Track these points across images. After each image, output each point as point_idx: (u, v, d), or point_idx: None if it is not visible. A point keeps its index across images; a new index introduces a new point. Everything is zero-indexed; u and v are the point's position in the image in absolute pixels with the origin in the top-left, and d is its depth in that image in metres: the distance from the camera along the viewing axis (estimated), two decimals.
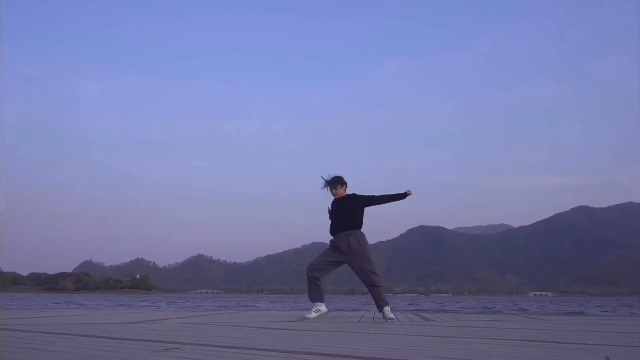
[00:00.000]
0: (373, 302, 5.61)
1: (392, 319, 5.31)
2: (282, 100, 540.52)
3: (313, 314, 5.48)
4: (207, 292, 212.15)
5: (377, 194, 5.69)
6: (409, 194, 5.58)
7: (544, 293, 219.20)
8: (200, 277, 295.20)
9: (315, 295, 5.55)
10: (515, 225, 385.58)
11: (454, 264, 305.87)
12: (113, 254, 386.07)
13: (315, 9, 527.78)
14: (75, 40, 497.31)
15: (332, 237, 5.67)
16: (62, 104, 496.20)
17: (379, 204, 5.70)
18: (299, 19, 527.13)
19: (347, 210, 5.62)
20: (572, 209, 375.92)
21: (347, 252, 5.50)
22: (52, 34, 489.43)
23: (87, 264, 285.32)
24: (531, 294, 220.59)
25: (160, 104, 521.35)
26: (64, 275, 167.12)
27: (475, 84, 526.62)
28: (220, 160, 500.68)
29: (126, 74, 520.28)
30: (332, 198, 5.76)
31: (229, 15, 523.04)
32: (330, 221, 5.73)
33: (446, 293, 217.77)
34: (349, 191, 5.75)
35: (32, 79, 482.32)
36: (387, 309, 5.42)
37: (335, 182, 5.66)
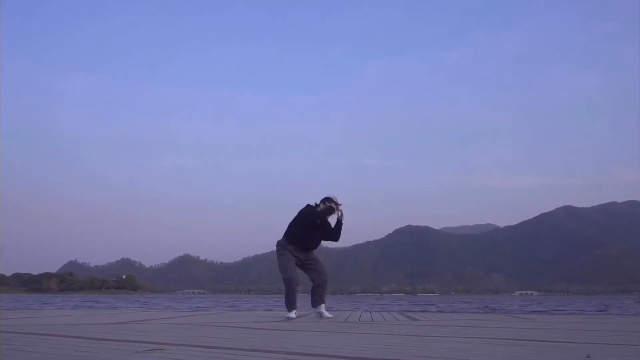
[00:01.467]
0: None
1: (329, 317, 5.60)
2: (277, 98, 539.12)
3: (294, 314, 5.61)
4: (193, 292, 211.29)
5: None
6: (339, 211, 5.73)
7: (529, 292, 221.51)
8: (187, 277, 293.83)
9: (294, 303, 5.68)
10: (502, 225, 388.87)
11: (441, 263, 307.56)
12: (98, 254, 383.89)
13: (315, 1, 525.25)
14: (54, 36, 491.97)
15: (292, 246, 5.74)
16: (43, 102, 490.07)
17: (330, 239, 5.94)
18: (302, 9, 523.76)
19: (324, 236, 5.88)
20: (557, 209, 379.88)
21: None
22: (26, 31, 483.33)
23: (72, 264, 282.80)
24: (517, 293, 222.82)
25: (148, 102, 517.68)
26: (48, 276, 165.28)
27: (466, 84, 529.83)
28: (208, 159, 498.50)
29: (111, 71, 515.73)
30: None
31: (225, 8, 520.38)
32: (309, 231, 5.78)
33: (433, 292, 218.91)
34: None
35: (8, 76, 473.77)
36: (323, 306, 5.73)
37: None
